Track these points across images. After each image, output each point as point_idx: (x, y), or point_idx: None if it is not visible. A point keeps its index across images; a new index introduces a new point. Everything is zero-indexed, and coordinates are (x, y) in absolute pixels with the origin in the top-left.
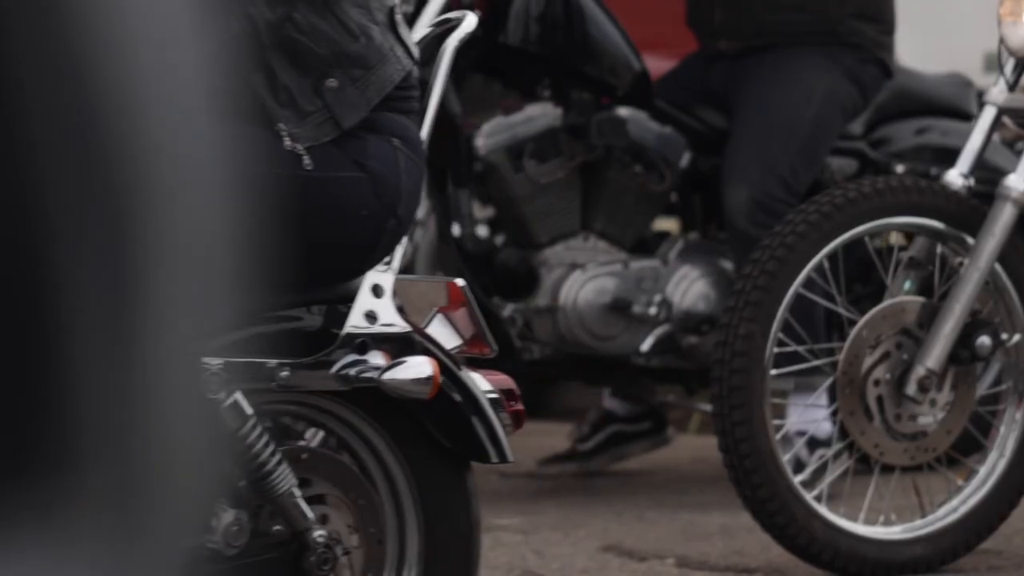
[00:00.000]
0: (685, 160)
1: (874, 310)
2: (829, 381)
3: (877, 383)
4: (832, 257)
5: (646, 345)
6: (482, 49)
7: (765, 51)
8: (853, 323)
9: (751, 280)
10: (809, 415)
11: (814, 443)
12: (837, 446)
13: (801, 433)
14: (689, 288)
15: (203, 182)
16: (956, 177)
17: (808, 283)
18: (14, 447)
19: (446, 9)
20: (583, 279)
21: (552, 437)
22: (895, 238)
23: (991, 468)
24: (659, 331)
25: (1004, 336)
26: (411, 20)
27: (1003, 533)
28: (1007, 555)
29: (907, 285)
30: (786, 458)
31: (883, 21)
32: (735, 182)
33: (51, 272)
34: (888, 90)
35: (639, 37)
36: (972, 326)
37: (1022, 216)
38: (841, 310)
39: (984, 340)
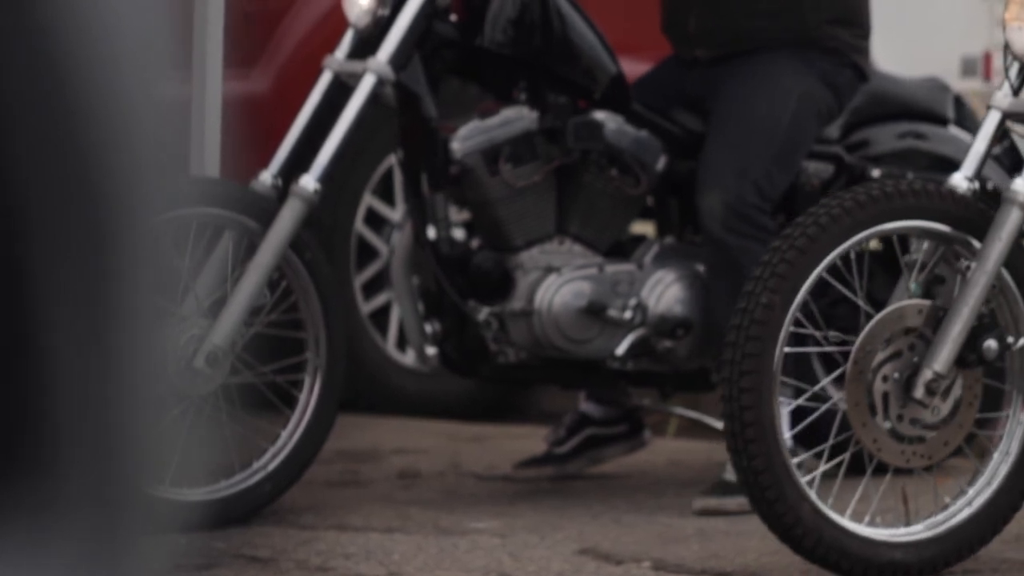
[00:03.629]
0: (661, 164)
1: (892, 306)
2: (839, 372)
3: (885, 379)
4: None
5: (621, 349)
6: (458, 52)
7: (740, 56)
8: (869, 316)
9: (779, 253)
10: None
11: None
12: (830, 442)
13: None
14: (664, 292)
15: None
16: (961, 181)
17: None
18: None
19: (423, 12)
20: (558, 283)
21: (528, 440)
22: (874, 243)
23: (979, 491)
24: (634, 335)
25: (1010, 339)
26: (387, 25)
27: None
28: (983, 559)
29: (913, 288)
30: None
31: (859, 25)
32: (709, 187)
33: (30, 279)
34: (864, 94)
35: (618, 40)
36: (979, 329)
37: None
38: (860, 302)
39: (991, 343)
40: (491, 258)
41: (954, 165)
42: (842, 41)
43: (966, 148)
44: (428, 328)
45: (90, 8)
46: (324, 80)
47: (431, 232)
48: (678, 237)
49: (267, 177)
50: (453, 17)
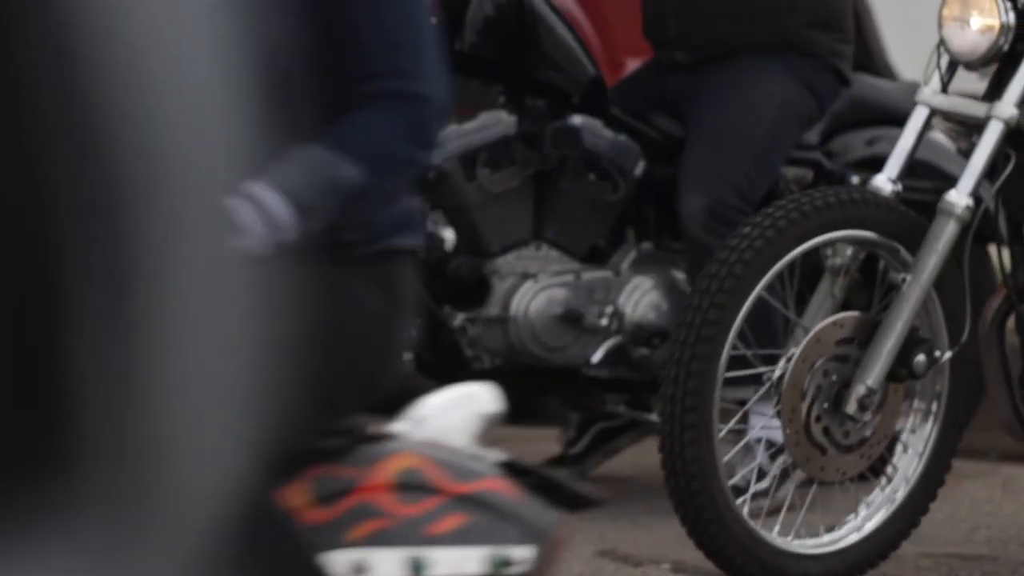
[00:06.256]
0: (639, 169)
1: (826, 321)
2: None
3: (818, 392)
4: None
5: (597, 356)
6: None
7: (720, 60)
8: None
9: (708, 296)
10: (770, 423)
11: (777, 451)
12: (782, 458)
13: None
14: (641, 299)
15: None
16: (885, 182)
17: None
18: (20, 450)
19: None
20: (535, 289)
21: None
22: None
23: (881, 505)
24: (610, 342)
25: (937, 354)
26: None
27: (998, 539)
28: (1002, 561)
29: (836, 294)
30: (749, 468)
31: (839, 30)
32: (690, 190)
33: (60, 278)
34: (845, 99)
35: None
36: (910, 343)
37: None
38: (792, 316)
39: (921, 358)
40: (467, 263)
41: (933, 169)
42: (821, 45)
43: (947, 153)
44: None
45: (113, 9)
46: None
47: None
48: (655, 243)
49: None
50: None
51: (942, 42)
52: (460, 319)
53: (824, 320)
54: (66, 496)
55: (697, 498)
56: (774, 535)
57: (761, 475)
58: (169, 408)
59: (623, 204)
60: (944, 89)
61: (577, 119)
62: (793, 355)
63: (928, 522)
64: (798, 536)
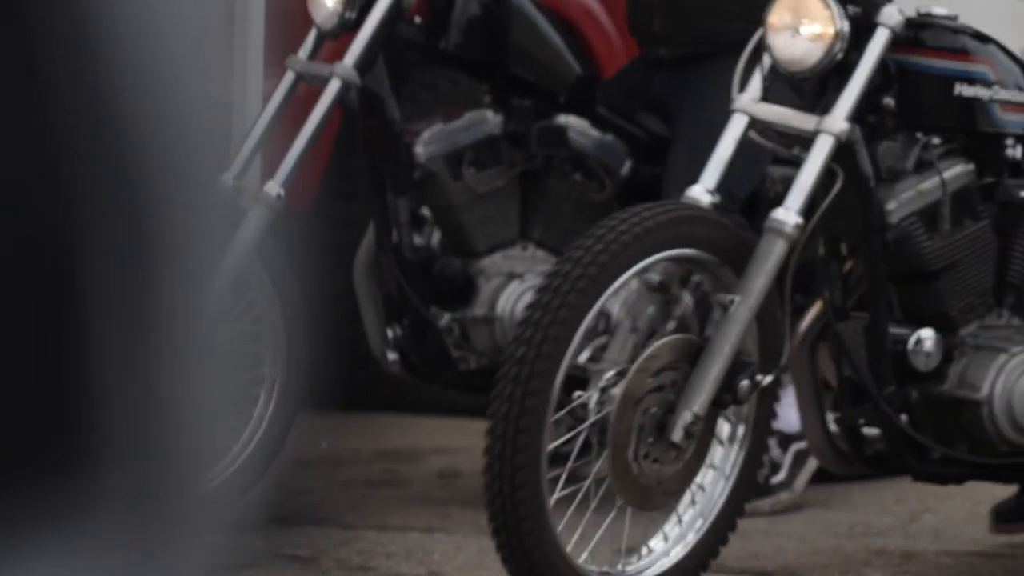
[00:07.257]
0: (626, 168)
1: (651, 347)
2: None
3: (644, 415)
4: None
5: (583, 356)
6: (423, 55)
7: (705, 58)
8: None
9: (533, 347)
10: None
11: (786, 440)
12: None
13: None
14: (627, 299)
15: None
16: (702, 193)
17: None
18: (36, 451)
19: (389, 16)
20: (521, 289)
21: None
22: None
23: (691, 528)
24: (595, 342)
25: (759, 378)
26: (354, 27)
27: (1019, 537)
28: (1023, 558)
29: (651, 310)
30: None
31: None
32: (675, 189)
33: (78, 283)
34: None
35: None
36: (734, 368)
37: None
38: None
39: (745, 383)
40: (454, 263)
41: None
42: None
43: None
44: (390, 333)
45: (135, 10)
46: (286, 81)
47: (394, 236)
48: None
49: (228, 179)
50: (417, 19)
51: (768, 50)
52: (446, 319)
53: (661, 340)
54: (88, 494)
55: (520, 508)
56: (585, 559)
57: (775, 468)
58: (185, 409)
59: (610, 204)
60: (764, 96)
61: (563, 118)
62: (608, 385)
63: (948, 521)
64: (611, 564)
